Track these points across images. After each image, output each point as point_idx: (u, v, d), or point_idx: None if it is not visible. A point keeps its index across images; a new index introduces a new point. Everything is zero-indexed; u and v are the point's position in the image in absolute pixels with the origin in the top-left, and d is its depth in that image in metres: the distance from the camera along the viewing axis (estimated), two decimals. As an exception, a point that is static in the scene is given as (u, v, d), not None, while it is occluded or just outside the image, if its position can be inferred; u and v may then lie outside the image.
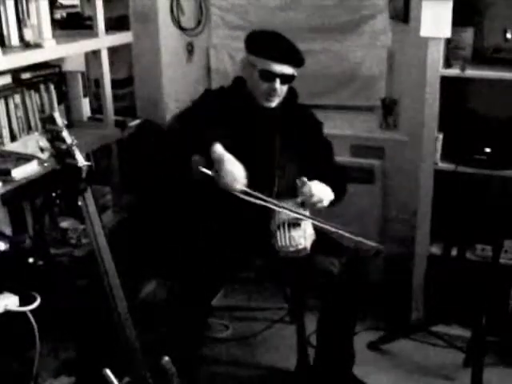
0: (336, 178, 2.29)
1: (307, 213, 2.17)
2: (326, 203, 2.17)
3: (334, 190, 2.22)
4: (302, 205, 2.15)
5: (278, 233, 2.09)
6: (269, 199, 2.07)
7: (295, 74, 2.22)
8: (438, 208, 2.65)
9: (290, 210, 2.10)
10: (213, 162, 2.04)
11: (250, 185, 2.05)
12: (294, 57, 2.19)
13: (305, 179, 2.12)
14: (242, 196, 2.04)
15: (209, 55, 3.34)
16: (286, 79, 2.20)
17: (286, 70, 2.17)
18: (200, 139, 2.08)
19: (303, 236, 2.08)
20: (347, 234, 2.16)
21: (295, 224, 2.11)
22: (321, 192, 2.15)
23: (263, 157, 2.21)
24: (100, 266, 1.74)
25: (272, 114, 2.26)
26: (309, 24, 3.10)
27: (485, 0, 2.62)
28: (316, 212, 2.21)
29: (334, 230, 2.15)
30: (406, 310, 2.80)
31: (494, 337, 2.56)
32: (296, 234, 2.09)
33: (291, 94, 2.31)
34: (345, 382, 2.34)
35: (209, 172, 2.03)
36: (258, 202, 2.05)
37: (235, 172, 2.03)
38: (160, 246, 2.81)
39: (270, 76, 2.17)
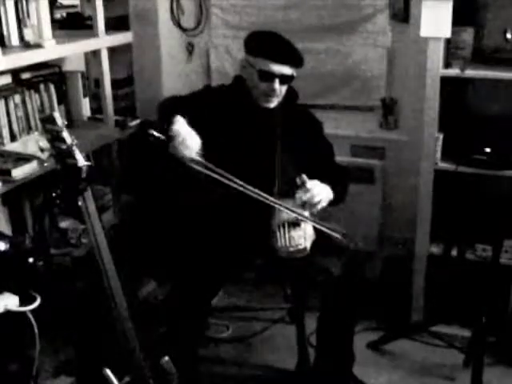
0: (337, 178, 2.28)
1: (306, 213, 2.16)
2: (324, 203, 2.16)
3: (334, 190, 2.22)
4: (303, 205, 2.14)
5: (278, 233, 2.09)
6: (225, 174, 2.00)
7: (294, 74, 2.22)
8: (438, 208, 2.65)
9: (262, 196, 2.04)
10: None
11: (248, 183, 2.04)
12: (293, 57, 2.19)
13: (304, 177, 2.12)
14: (196, 167, 1.99)
15: (209, 55, 3.34)
16: (285, 80, 2.20)
17: (285, 70, 2.18)
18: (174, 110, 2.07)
19: (303, 236, 2.08)
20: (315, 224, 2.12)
21: (295, 224, 2.10)
22: (320, 191, 2.15)
23: (262, 157, 2.21)
24: (100, 266, 1.74)
25: (271, 114, 2.26)
26: (309, 24, 3.10)
27: (485, 0, 2.62)
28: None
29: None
30: (405, 310, 2.80)
31: (494, 337, 2.56)
32: (296, 234, 2.08)
33: (291, 94, 2.31)
34: (345, 382, 2.34)
35: (159, 135, 1.99)
36: (217, 176, 1.99)
37: (187, 139, 2.01)
38: (160, 245, 2.81)
39: (269, 76, 2.17)
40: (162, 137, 1.99)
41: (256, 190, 2.03)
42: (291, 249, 2.07)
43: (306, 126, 2.35)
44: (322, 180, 2.18)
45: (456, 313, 2.67)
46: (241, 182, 2.01)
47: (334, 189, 2.21)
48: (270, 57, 2.15)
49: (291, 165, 2.23)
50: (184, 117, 2.06)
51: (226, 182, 1.99)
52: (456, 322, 2.72)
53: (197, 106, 2.21)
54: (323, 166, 2.28)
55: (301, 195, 2.11)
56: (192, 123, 2.07)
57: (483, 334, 2.40)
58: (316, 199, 2.11)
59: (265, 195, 2.05)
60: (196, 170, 2.00)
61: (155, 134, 2.00)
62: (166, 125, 2.03)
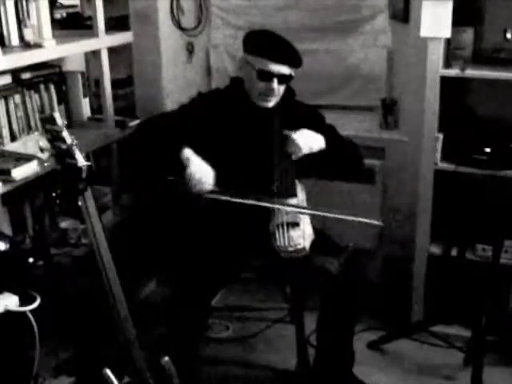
0: (348, 149, 2.33)
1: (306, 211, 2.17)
2: (315, 149, 2.19)
3: (348, 162, 2.29)
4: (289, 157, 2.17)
5: (277, 233, 2.09)
6: (245, 196, 2.06)
7: (293, 74, 2.22)
8: (438, 208, 2.65)
9: (272, 203, 2.10)
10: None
11: (248, 184, 2.05)
12: (292, 57, 2.19)
13: (288, 133, 2.15)
14: (214, 196, 2.05)
15: (209, 55, 3.34)
16: (283, 79, 2.20)
17: (284, 70, 2.18)
18: (171, 140, 2.10)
19: (302, 236, 2.08)
20: (343, 217, 2.13)
21: (294, 224, 2.10)
22: (308, 139, 2.18)
23: (261, 157, 2.21)
24: (100, 266, 1.74)
25: (269, 113, 2.26)
26: (309, 24, 3.11)
27: (485, 0, 2.62)
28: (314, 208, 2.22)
29: (331, 215, 2.13)
30: (406, 309, 2.80)
31: (494, 337, 2.56)
32: (295, 234, 2.08)
33: (288, 92, 2.31)
34: (345, 382, 2.34)
35: (175, 179, 2.06)
36: (234, 199, 2.05)
37: (202, 173, 2.05)
38: (160, 246, 2.81)
39: (268, 76, 2.17)
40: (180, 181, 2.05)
41: (264, 200, 2.09)
42: (290, 249, 2.07)
43: (305, 121, 2.35)
44: (335, 155, 2.23)
45: (456, 313, 2.67)
46: (250, 199, 2.06)
47: (348, 161, 2.30)
48: (269, 56, 2.15)
49: (291, 163, 2.23)
50: (188, 143, 2.09)
51: (241, 201, 2.05)
52: (456, 322, 2.72)
53: (192, 117, 2.22)
54: (333, 146, 2.28)
55: (289, 150, 2.16)
56: (191, 137, 2.09)
57: (483, 334, 2.40)
58: (305, 150, 2.16)
59: (270, 202, 2.09)
60: (213, 200, 2.05)
61: (170, 178, 2.08)
62: (175, 158, 2.06)
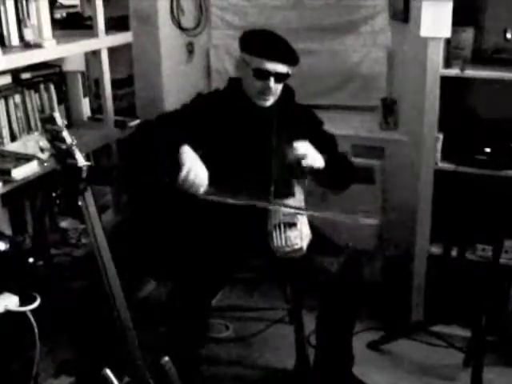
0: (339, 166, 2.31)
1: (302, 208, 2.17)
2: (313, 162, 2.17)
3: (337, 178, 2.25)
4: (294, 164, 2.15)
5: (274, 233, 2.08)
6: (240, 198, 2.04)
7: (289, 72, 2.22)
8: (438, 208, 2.65)
9: (267, 204, 2.09)
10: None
11: (246, 184, 2.05)
12: (288, 55, 2.19)
13: (293, 145, 2.14)
14: (208, 197, 2.04)
15: (209, 55, 3.34)
16: (280, 78, 2.20)
17: (281, 68, 2.18)
18: (171, 140, 2.09)
19: (299, 236, 2.08)
20: (343, 218, 2.14)
21: (291, 224, 2.10)
22: (309, 150, 2.16)
23: (259, 156, 2.21)
24: (100, 266, 1.74)
25: (268, 113, 2.26)
26: (309, 24, 3.11)
27: (485, 0, 2.63)
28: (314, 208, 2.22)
29: (330, 217, 2.14)
30: (405, 310, 2.80)
31: (494, 337, 2.56)
32: (292, 234, 2.08)
33: (287, 92, 2.31)
34: (345, 382, 2.34)
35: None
36: (229, 201, 2.04)
37: (196, 175, 2.03)
38: (160, 245, 2.81)
39: (265, 74, 2.17)
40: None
41: (260, 201, 2.08)
42: (287, 249, 2.06)
43: (304, 122, 2.35)
44: (326, 169, 2.20)
45: (456, 313, 2.67)
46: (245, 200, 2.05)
47: (337, 177, 2.25)
48: (265, 55, 2.15)
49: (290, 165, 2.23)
50: (187, 140, 2.08)
51: (235, 202, 2.03)
52: (456, 322, 2.72)
53: (192, 117, 2.22)
54: (327, 157, 2.27)
55: (291, 153, 2.14)
56: (191, 137, 2.09)
57: (483, 334, 2.40)
58: (309, 157, 2.14)
59: (267, 203, 2.08)
60: (208, 200, 2.04)
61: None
62: (172, 158, 2.04)
